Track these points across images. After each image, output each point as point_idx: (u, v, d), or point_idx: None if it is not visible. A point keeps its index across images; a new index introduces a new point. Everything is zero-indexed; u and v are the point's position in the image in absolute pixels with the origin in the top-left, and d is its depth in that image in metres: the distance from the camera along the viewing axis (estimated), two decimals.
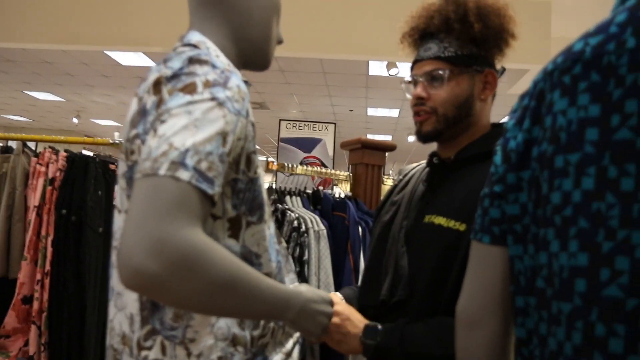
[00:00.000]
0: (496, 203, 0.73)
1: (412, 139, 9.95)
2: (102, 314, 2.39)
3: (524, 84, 5.48)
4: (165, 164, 0.64)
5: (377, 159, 2.17)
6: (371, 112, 9.06)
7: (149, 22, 4.72)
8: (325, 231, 1.87)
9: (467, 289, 0.78)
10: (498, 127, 1.14)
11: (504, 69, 1.14)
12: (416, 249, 1.06)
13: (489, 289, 0.74)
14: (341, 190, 2.28)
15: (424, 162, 1.27)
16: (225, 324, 0.81)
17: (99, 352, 2.37)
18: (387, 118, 9.43)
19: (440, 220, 1.03)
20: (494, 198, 0.73)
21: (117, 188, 0.89)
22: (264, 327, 0.86)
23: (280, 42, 1.06)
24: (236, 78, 0.78)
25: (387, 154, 2.29)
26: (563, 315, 0.56)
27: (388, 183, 2.51)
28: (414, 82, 1.11)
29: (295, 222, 1.86)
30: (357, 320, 1.00)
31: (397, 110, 8.91)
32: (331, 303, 0.94)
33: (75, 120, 10.59)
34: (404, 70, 6.47)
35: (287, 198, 2.04)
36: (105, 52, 6.19)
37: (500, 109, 8.72)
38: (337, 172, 2.24)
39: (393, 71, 6.14)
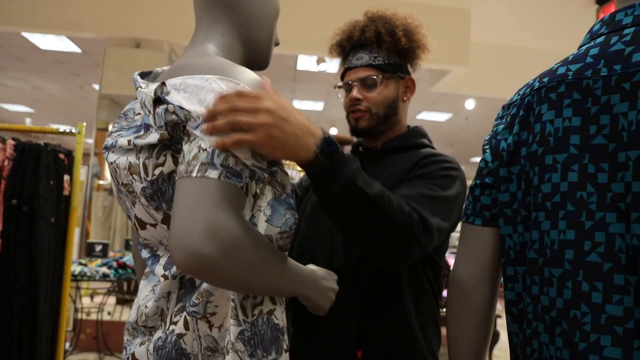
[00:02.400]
0: (487, 192, 0.90)
1: (334, 131, 10.23)
2: (53, 303, 2.36)
3: (446, 83, 5.88)
4: (197, 166, 0.72)
5: None
6: (296, 104, 9.21)
7: (80, 6, 4.53)
8: None
9: (460, 263, 0.95)
10: (414, 128, 1.34)
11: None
12: None
13: (480, 262, 0.92)
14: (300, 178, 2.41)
15: (346, 148, 1.44)
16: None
17: (49, 344, 2.34)
18: (312, 111, 9.63)
19: None
20: (485, 188, 0.91)
21: (137, 204, 0.87)
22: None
23: (277, 44, 1.16)
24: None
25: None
26: (555, 278, 0.74)
27: None
28: (349, 86, 1.29)
29: None
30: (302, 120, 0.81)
31: (322, 104, 9.13)
32: (335, 279, 1.05)
33: None
34: (333, 65, 6.68)
35: None
36: (23, 33, 5.82)
37: (423, 105, 9.10)
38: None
39: (322, 66, 6.32)
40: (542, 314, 0.76)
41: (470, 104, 8.20)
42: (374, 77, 1.25)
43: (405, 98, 1.31)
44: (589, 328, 0.70)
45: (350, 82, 1.28)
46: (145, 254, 0.94)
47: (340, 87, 1.32)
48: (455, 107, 8.58)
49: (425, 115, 9.17)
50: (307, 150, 0.81)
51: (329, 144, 0.83)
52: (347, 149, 1.47)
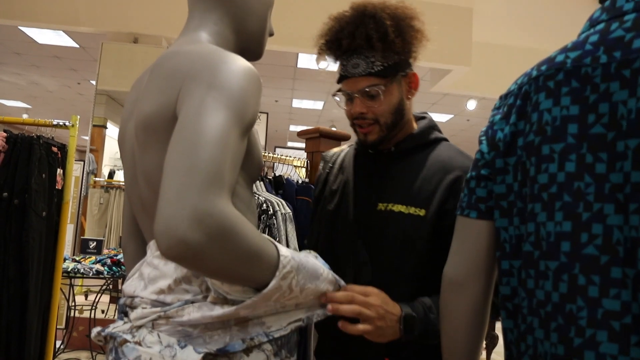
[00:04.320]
0: (482, 184, 0.88)
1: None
2: (43, 299, 2.33)
3: (447, 83, 5.85)
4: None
5: (333, 147, 2.30)
6: (296, 103, 9.19)
7: (75, 1, 4.51)
8: (291, 214, 1.97)
9: (454, 257, 0.92)
10: (423, 124, 1.27)
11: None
12: (374, 235, 1.16)
13: (474, 256, 0.89)
14: (298, 176, 2.39)
15: (345, 147, 1.38)
16: None
17: (39, 338, 2.31)
18: (311, 110, 9.60)
19: (399, 207, 1.15)
20: (481, 180, 0.88)
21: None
22: None
23: (271, 34, 1.14)
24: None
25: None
26: (550, 271, 0.72)
27: None
28: (349, 95, 1.18)
29: (264, 205, 1.95)
30: (393, 308, 1.02)
31: (322, 103, 9.10)
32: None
33: None
34: (334, 64, 6.65)
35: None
36: (20, 27, 5.79)
37: (424, 106, 9.07)
38: (293, 158, 2.34)
39: (323, 64, 6.29)
40: (537, 308, 0.74)
41: (472, 105, 8.14)
42: (376, 87, 1.15)
43: (409, 95, 1.22)
44: (584, 323, 0.67)
45: (350, 94, 1.18)
46: None
47: (339, 92, 1.21)
48: (457, 107, 8.55)
49: None
50: (396, 333, 1.02)
51: (410, 327, 1.03)
52: (345, 145, 1.44)
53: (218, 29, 0.99)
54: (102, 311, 4.52)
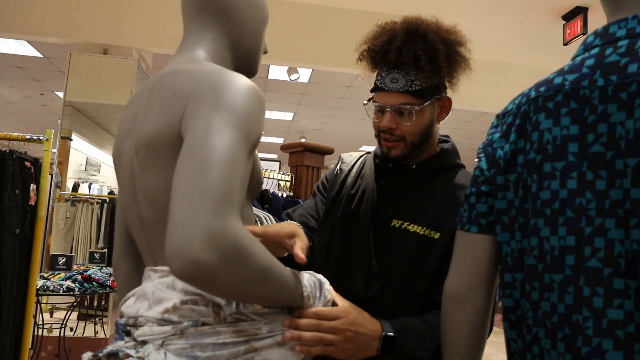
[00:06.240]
0: (483, 200, 0.91)
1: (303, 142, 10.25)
2: (16, 318, 2.26)
3: None
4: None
5: (316, 161, 2.33)
6: (266, 114, 9.16)
7: (44, 10, 4.41)
8: None
9: (455, 271, 0.95)
10: (446, 148, 1.29)
11: None
12: (388, 249, 1.18)
13: (475, 269, 0.92)
14: (283, 190, 2.40)
15: (363, 152, 1.38)
16: None
17: (11, 358, 2.23)
18: (281, 121, 9.62)
19: (415, 228, 1.17)
20: (481, 195, 0.91)
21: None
22: None
23: (265, 52, 1.15)
24: None
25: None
26: (555, 284, 0.75)
27: None
28: (381, 108, 1.19)
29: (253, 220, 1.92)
30: (370, 329, 1.00)
31: (292, 114, 9.13)
32: (329, 289, 1.02)
33: None
34: (304, 75, 6.70)
35: None
36: None
37: None
38: (281, 173, 2.35)
39: (294, 76, 6.32)
40: (542, 319, 0.77)
41: None
42: (409, 106, 1.15)
43: (440, 119, 1.23)
44: (591, 332, 0.71)
45: (383, 107, 1.18)
46: None
47: (371, 101, 1.21)
48: None
49: None
50: (372, 351, 0.99)
51: (389, 345, 1.01)
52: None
53: (215, 47, 1.00)
54: (71, 329, 4.38)
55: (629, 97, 0.72)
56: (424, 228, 1.16)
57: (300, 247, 0.97)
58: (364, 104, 1.25)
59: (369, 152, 1.37)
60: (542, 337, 0.77)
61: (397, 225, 1.19)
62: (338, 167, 1.36)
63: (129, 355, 0.81)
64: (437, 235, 1.15)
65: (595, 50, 0.80)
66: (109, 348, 0.85)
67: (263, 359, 0.83)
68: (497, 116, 0.94)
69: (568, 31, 4.65)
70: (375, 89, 1.20)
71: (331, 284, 1.18)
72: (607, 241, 0.72)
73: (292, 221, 1.20)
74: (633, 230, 0.70)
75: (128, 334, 0.87)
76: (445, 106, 1.23)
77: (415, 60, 1.13)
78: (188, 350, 0.80)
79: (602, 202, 0.73)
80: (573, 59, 0.85)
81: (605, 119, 0.74)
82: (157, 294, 0.86)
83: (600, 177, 0.73)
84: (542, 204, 0.78)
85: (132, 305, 0.90)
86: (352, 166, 1.33)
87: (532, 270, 0.80)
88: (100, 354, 0.87)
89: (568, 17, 4.63)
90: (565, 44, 4.69)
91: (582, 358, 0.71)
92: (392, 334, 1.01)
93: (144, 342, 0.83)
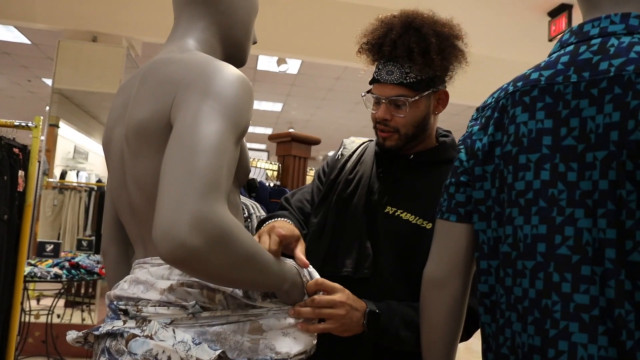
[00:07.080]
0: (462, 190, 0.95)
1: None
2: (4, 304, 2.27)
3: None
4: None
5: (303, 152, 2.35)
6: (255, 105, 9.18)
7: None
8: None
9: (434, 257, 0.99)
10: (445, 140, 1.31)
11: None
12: (379, 234, 1.20)
13: (453, 256, 0.96)
14: (271, 180, 2.43)
15: (365, 139, 1.41)
16: None
17: None
18: (270, 112, 9.61)
19: (408, 216, 1.20)
20: (460, 186, 0.95)
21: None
22: None
23: (254, 42, 1.17)
24: None
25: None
26: (527, 270, 0.79)
27: (311, 174, 2.69)
28: (377, 99, 1.22)
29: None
30: (359, 305, 1.04)
31: (281, 105, 9.13)
32: (315, 271, 1.02)
33: None
34: (294, 66, 6.69)
35: None
36: None
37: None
38: (269, 163, 2.38)
39: (283, 67, 6.32)
40: (514, 304, 0.81)
41: None
42: (403, 98, 1.17)
43: (436, 112, 1.25)
44: (559, 316, 0.75)
45: (378, 98, 1.21)
46: None
47: (369, 93, 1.25)
48: None
49: None
50: (359, 328, 1.04)
51: (374, 321, 1.05)
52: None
53: (205, 36, 1.01)
54: (58, 316, 4.39)
55: (600, 93, 0.75)
56: (417, 217, 1.19)
57: (301, 251, 1.00)
58: (362, 96, 1.28)
59: (371, 140, 1.39)
60: (514, 321, 0.81)
61: (390, 212, 1.21)
62: (340, 152, 1.39)
63: (135, 335, 0.82)
64: (429, 226, 1.17)
65: (570, 48, 0.84)
66: (107, 327, 0.86)
67: (268, 343, 0.86)
68: (477, 109, 0.98)
69: (553, 27, 4.71)
70: (372, 81, 1.24)
71: (322, 263, 1.21)
72: (576, 230, 0.76)
73: (287, 220, 1.21)
74: (600, 219, 0.73)
75: (126, 313, 0.89)
76: (442, 99, 1.25)
77: (409, 52, 1.16)
78: (197, 327, 0.83)
79: (573, 193, 0.77)
80: (550, 55, 0.88)
81: (578, 113, 0.78)
82: (151, 280, 0.88)
83: (572, 169, 0.77)
84: (517, 194, 0.82)
85: (127, 289, 0.91)
86: (353, 152, 1.36)
87: (507, 257, 0.83)
88: (96, 332, 0.88)
89: (553, 13, 4.68)
90: (550, 40, 4.74)
91: (550, 340, 0.75)
92: (376, 310, 1.06)
93: (145, 320, 0.85)
